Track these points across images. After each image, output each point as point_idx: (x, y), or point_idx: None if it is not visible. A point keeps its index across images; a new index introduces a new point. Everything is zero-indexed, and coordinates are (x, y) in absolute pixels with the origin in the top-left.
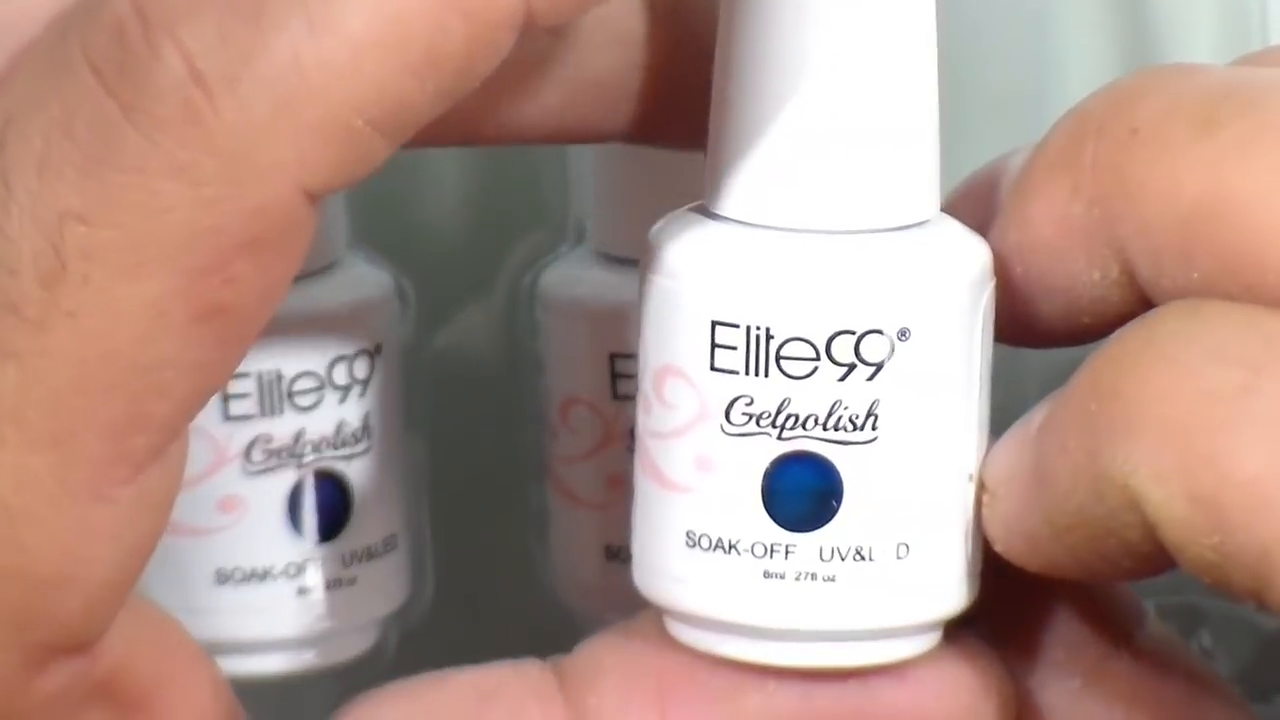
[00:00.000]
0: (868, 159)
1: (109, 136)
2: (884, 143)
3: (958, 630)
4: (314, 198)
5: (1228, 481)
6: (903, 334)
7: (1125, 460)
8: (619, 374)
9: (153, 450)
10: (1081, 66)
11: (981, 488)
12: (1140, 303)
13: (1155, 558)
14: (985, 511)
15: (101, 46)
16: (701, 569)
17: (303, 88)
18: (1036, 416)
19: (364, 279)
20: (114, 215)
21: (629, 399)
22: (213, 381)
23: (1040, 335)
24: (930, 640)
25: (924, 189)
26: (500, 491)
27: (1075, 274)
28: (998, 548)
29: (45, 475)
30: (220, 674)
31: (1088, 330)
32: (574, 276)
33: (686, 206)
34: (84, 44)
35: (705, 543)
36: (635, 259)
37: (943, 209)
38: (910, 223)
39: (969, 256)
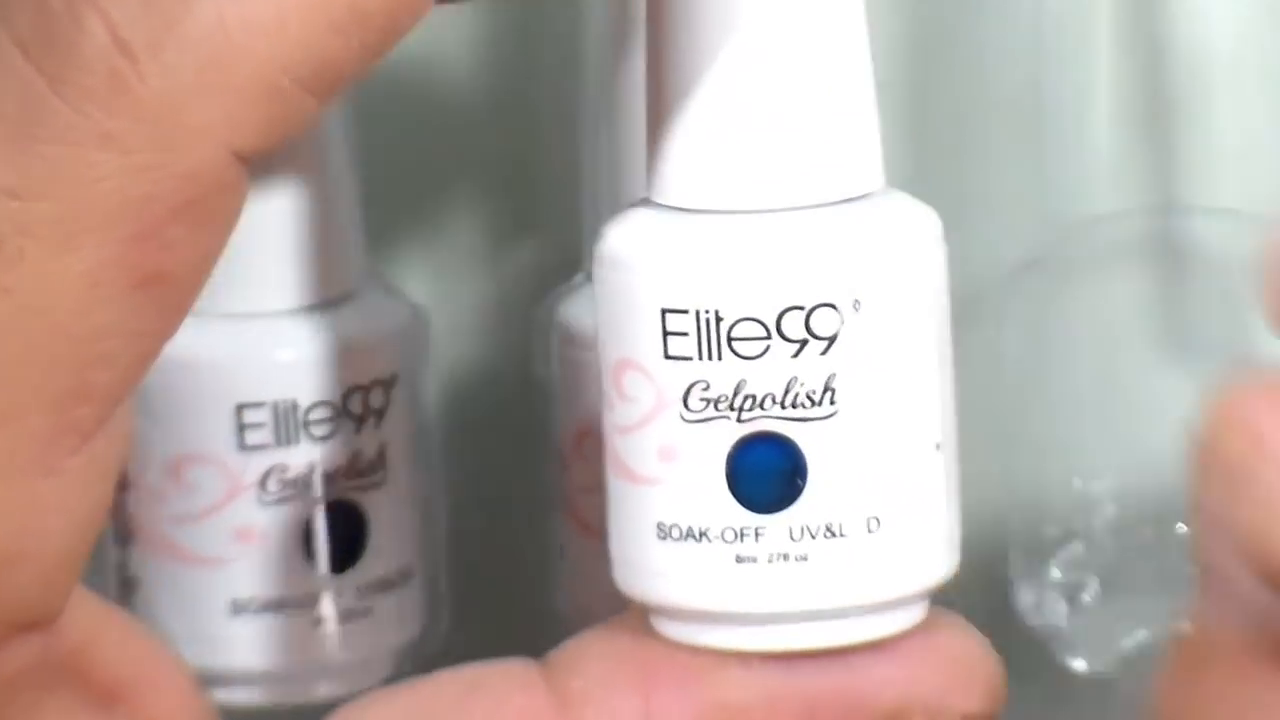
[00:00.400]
0: (806, 134)
1: (37, 110)
2: (821, 117)
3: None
4: (245, 159)
5: None
6: (854, 305)
7: None
8: None
9: (98, 419)
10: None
11: None
12: None
13: None
14: None
15: (25, 22)
16: (675, 560)
17: (227, 49)
18: None
19: (381, 309)
20: (46, 188)
21: None
22: (153, 347)
23: None
24: (915, 614)
25: (865, 161)
26: (516, 522)
27: None
28: None
29: None
30: (190, 672)
31: None
32: (588, 307)
33: (632, 202)
34: (6, 20)
35: (676, 533)
36: None
37: (1255, 275)
38: (853, 196)
39: (917, 224)
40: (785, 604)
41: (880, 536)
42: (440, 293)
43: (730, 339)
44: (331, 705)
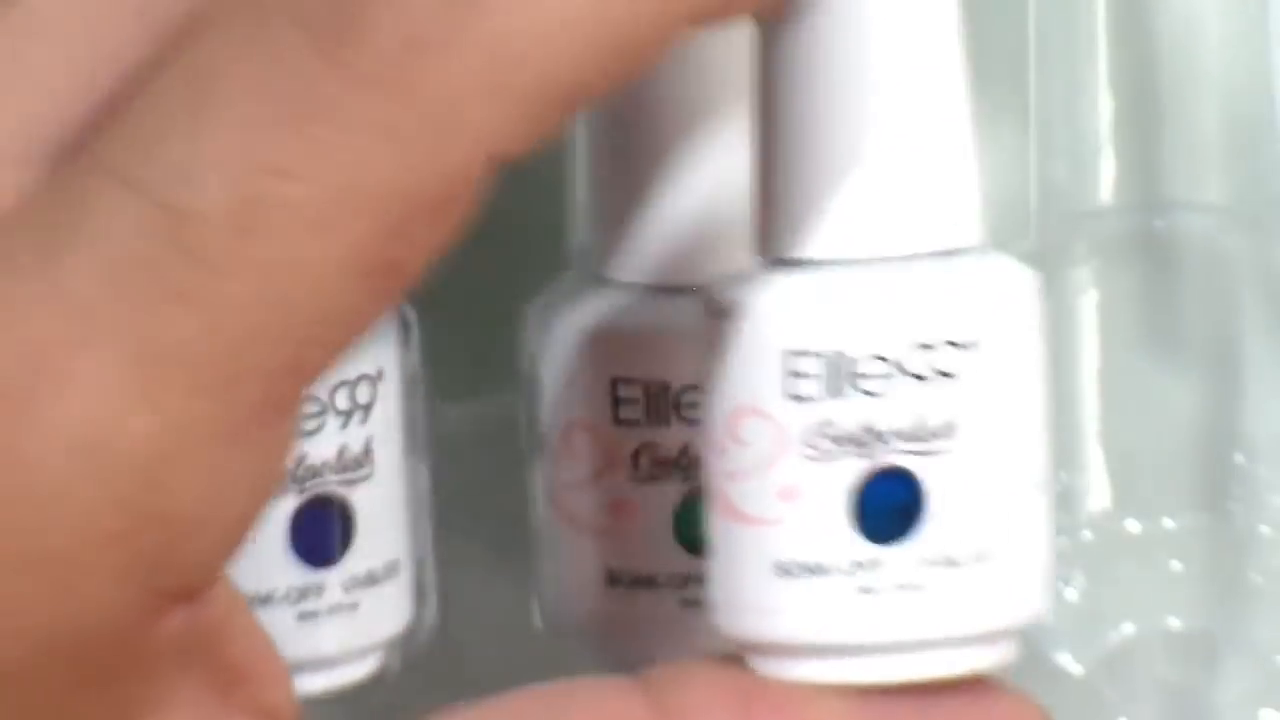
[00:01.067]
0: (926, 184)
1: (313, 93)
2: (939, 167)
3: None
4: (496, 163)
5: None
6: (976, 345)
7: None
8: (621, 398)
9: (299, 397)
10: None
11: None
12: None
13: None
14: None
15: (312, 5)
16: (795, 596)
17: (511, 57)
18: None
19: None
20: (315, 169)
21: (632, 423)
22: (361, 332)
23: None
24: (1011, 650)
25: (974, 214)
26: (503, 516)
27: None
28: None
29: (204, 418)
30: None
31: None
32: (575, 300)
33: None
34: (297, 7)
35: (796, 569)
36: (635, 281)
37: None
38: (967, 247)
39: (1028, 274)
40: (900, 634)
41: (990, 569)
42: (428, 288)
43: (857, 375)
44: (320, 699)
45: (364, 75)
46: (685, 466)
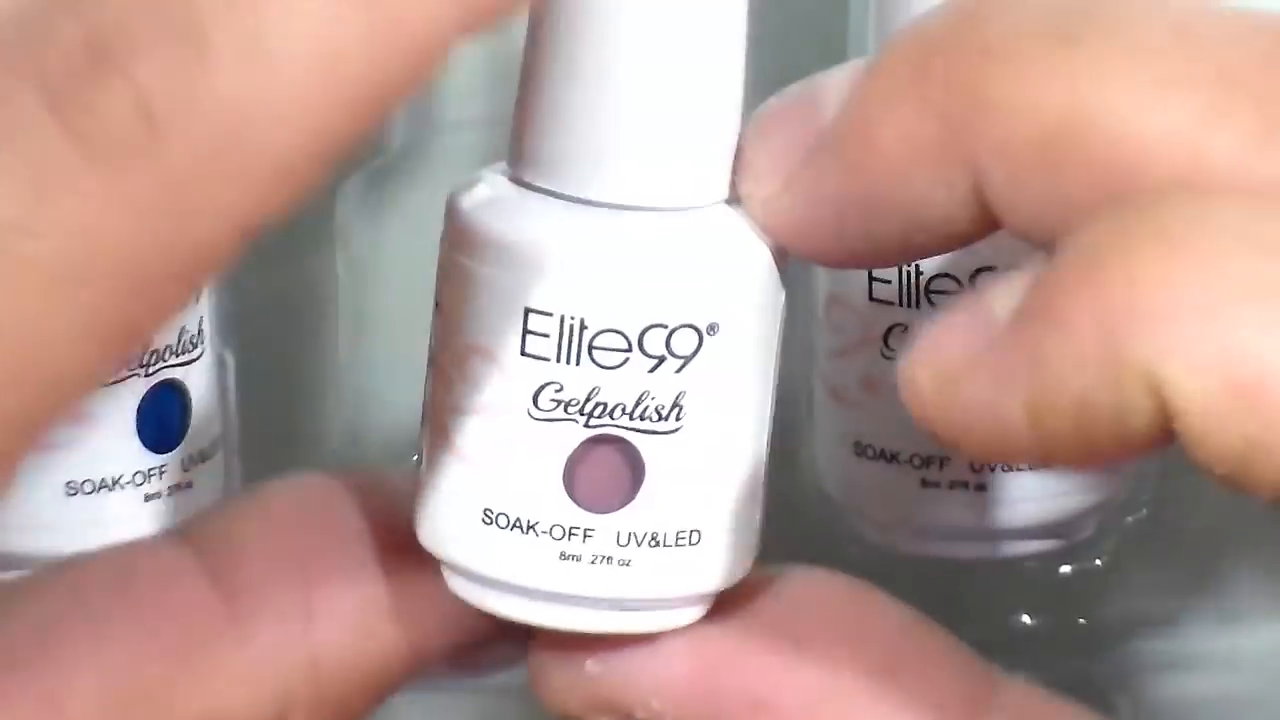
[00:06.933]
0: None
1: (54, 160)
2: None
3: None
4: (250, 234)
5: (1274, 371)
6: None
7: (1154, 348)
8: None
9: (20, 455)
10: None
11: (916, 379)
12: (982, 220)
13: (1150, 444)
14: (933, 401)
15: (54, 71)
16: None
17: (248, 131)
18: (998, 303)
19: None
20: (53, 229)
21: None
22: (91, 391)
23: (867, 256)
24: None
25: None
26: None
27: (919, 192)
28: (947, 439)
29: None
30: None
31: (921, 248)
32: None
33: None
34: (38, 68)
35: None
36: None
37: (743, 137)
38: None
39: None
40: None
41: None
42: None
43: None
44: None
45: (101, 148)
46: None
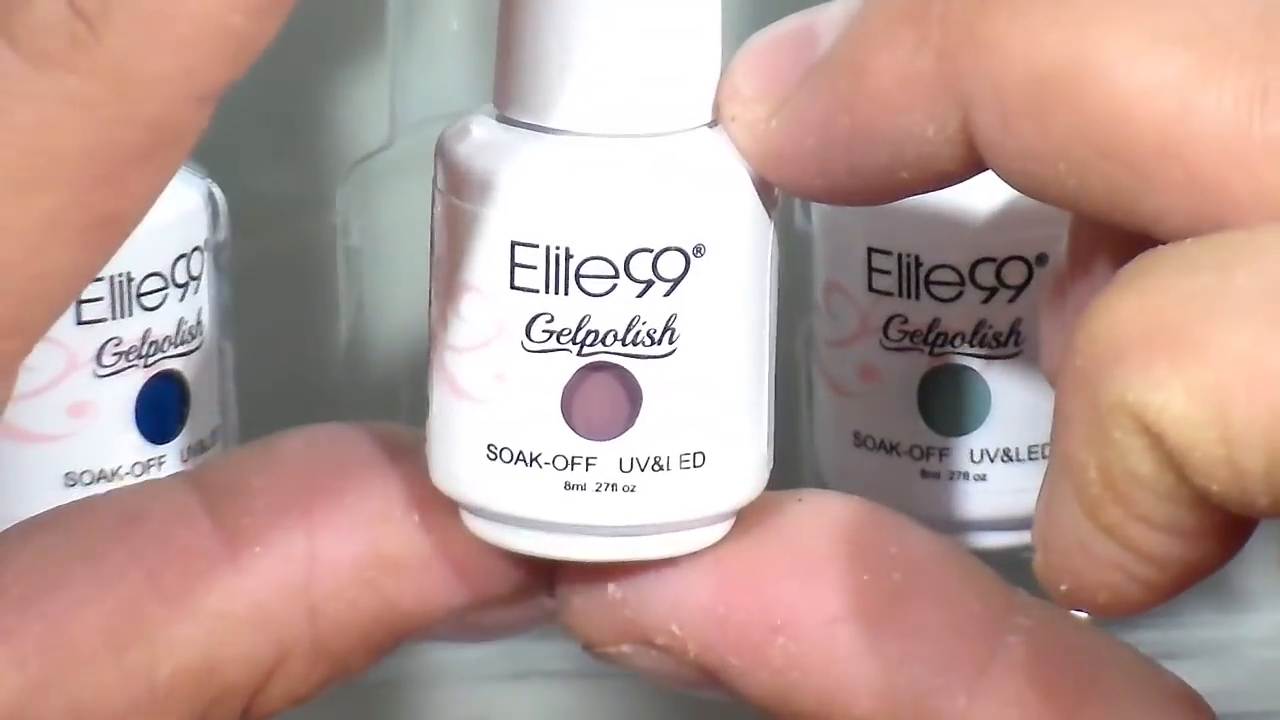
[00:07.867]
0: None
1: (2, 71)
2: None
3: None
4: (208, 99)
5: (1222, 362)
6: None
7: (1120, 383)
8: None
9: (21, 354)
10: None
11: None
12: (968, 161)
13: (1174, 492)
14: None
15: None
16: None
17: (171, 5)
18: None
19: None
20: (8, 137)
21: (885, 294)
22: (86, 284)
23: (847, 190)
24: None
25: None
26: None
27: (908, 127)
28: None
29: None
30: None
31: (904, 186)
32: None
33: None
34: None
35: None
36: None
37: (733, 63)
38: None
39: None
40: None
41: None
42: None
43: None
44: None
45: (43, 52)
46: (932, 341)
